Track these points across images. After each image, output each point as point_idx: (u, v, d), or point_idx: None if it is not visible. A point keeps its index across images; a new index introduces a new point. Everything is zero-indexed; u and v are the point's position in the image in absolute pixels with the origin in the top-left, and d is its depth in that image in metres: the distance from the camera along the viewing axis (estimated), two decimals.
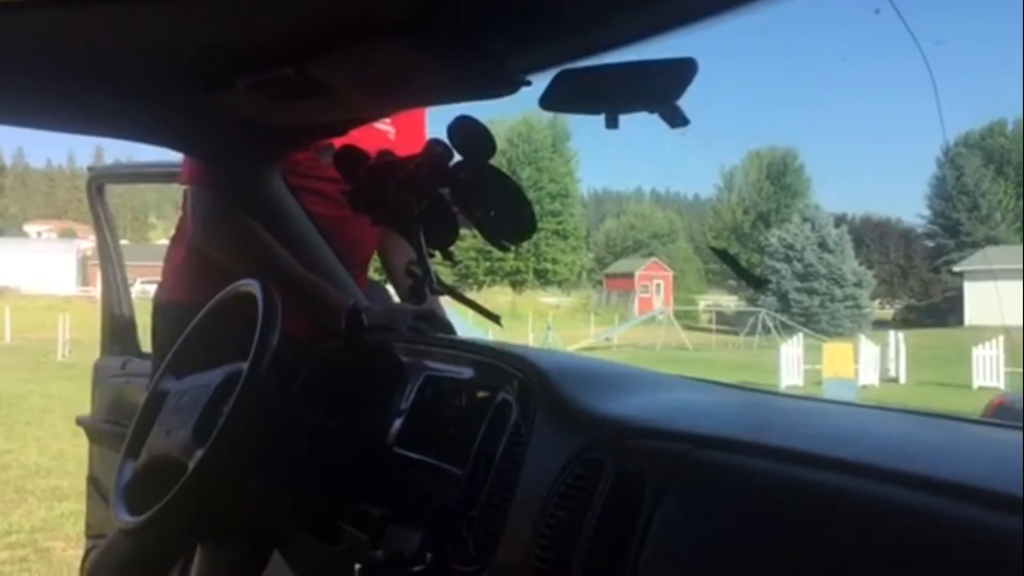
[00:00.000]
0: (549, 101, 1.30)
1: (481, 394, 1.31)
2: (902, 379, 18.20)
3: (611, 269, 50.40)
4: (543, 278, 53.12)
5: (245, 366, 1.39)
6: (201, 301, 1.68)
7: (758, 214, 51.68)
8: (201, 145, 1.80)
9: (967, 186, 45.24)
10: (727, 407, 1.09)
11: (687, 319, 33.49)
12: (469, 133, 1.58)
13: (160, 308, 2.03)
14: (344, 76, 1.41)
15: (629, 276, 46.77)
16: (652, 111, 1.24)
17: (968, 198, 45.09)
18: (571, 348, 24.38)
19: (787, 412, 1.12)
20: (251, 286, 1.51)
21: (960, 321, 35.78)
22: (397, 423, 1.44)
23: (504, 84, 1.38)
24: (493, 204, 1.63)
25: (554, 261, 53.09)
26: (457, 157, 1.64)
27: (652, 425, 0.99)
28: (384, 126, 2.13)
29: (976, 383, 16.70)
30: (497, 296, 45.85)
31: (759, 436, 0.91)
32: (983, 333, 19.02)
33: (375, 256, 2.28)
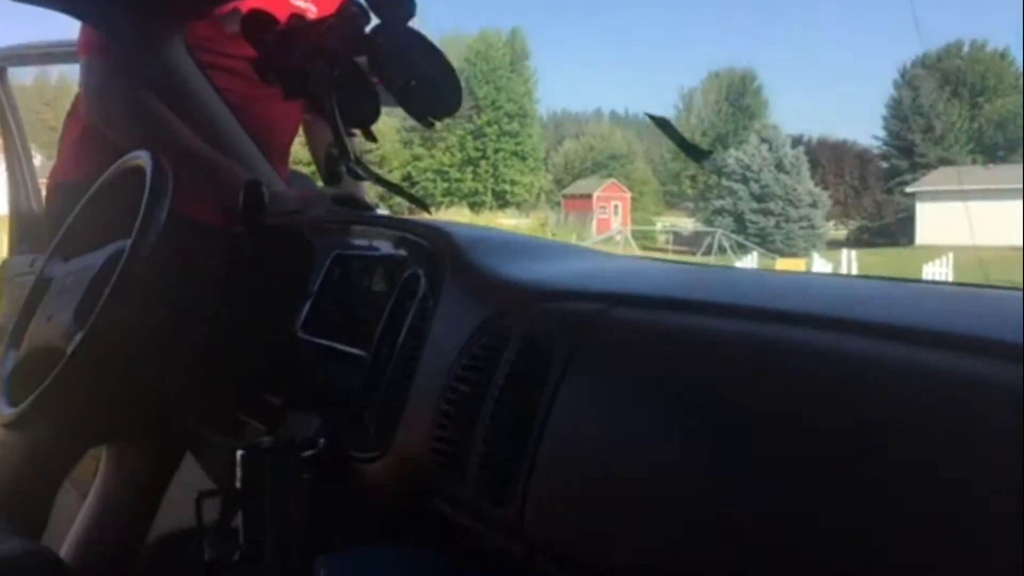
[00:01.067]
0: None
1: (391, 270, 1.19)
2: None
3: (569, 190, 50.09)
4: (501, 199, 52.73)
5: (128, 243, 1.26)
6: (92, 180, 1.53)
7: (716, 135, 51.49)
8: (91, 9, 1.62)
9: (922, 107, 45.36)
10: (652, 272, 0.97)
11: (645, 240, 33.54)
12: None
13: (54, 188, 1.86)
14: None
15: (587, 197, 46.56)
16: None
17: (923, 119, 45.25)
18: None
19: (730, 279, 1.00)
20: (141, 158, 1.36)
21: (911, 241, 36.23)
22: (304, 307, 1.31)
23: None
24: (414, 73, 1.48)
25: (512, 182, 52.64)
26: (375, 21, 1.49)
27: (565, 287, 0.88)
28: (303, 3, 1.96)
29: None
30: (455, 216, 45.46)
31: (688, 294, 0.80)
32: (933, 252, 19.24)
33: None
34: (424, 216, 2.03)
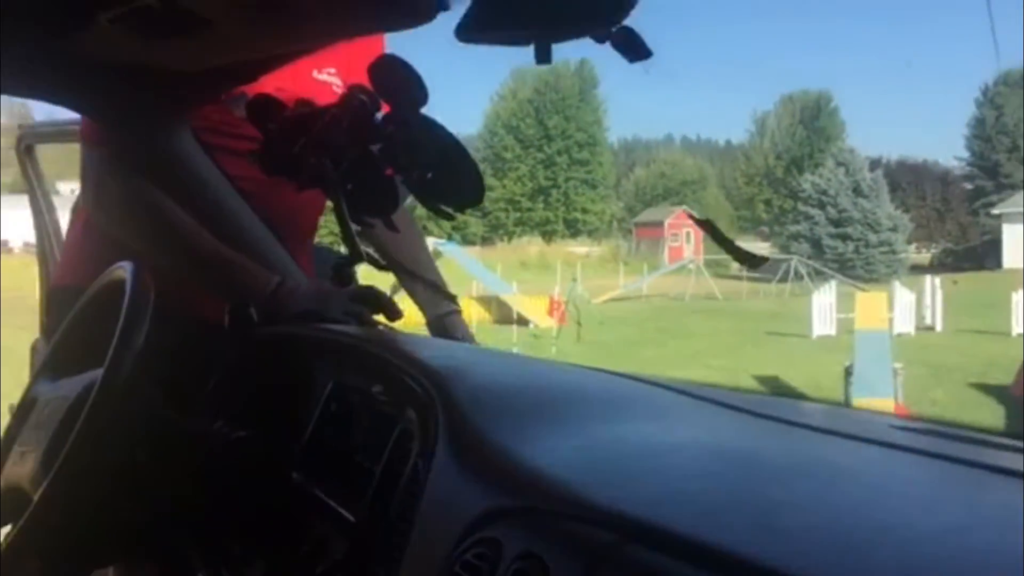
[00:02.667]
0: (467, 29, 0.99)
1: (386, 419, 1.02)
2: (938, 327, 17.67)
3: (640, 218, 49.68)
4: (573, 228, 52.59)
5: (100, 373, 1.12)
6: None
7: (791, 159, 50.65)
8: (88, 98, 1.50)
9: (1007, 126, 43.86)
10: (697, 456, 0.78)
11: (718, 267, 32.90)
12: (393, 77, 1.27)
13: (52, 292, 1.74)
14: (216, 4, 1.11)
15: (659, 225, 46.08)
16: (601, 39, 0.93)
17: (1008, 138, 43.73)
18: (600, 299, 24.10)
19: (779, 470, 0.80)
20: (123, 269, 1.23)
21: (998, 264, 34.90)
22: (298, 445, 1.16)
23: (416, 10, 1.07)
24: (431, 164, 1.33)
25: (583, 210, 52.50)
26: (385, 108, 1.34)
27: (573, 492, 0.69)
28: (328, 76, 1.81)
29: (1015, 330, 16.13)
30: (527, 246, 45.46)
31: (723, 529, 0.61)
32: (1020, 277, 18.44)
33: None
34: (452, 308, 1.87)
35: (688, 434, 0.86)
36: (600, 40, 0.92)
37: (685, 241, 43.96)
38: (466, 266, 20.75)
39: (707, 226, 1.12)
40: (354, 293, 1.54)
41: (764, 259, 1.23)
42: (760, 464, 0.78)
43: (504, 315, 18.04)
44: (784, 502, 0.66)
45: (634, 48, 0.92)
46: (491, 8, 0.94)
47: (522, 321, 17.25)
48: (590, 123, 52.36)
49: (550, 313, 17.58)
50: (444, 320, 1.89)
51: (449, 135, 1.33)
